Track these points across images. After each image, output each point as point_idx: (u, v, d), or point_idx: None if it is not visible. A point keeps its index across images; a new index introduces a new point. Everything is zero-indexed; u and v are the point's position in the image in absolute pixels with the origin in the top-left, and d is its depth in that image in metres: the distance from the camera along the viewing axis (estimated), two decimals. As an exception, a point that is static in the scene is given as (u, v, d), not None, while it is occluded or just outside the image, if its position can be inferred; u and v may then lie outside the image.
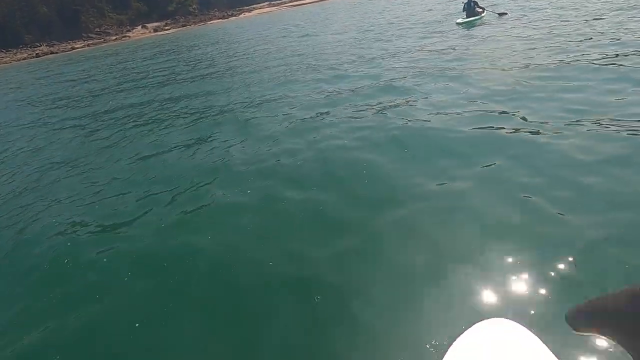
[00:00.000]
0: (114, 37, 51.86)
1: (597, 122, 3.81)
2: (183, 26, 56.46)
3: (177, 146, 5.49)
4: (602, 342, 1.78)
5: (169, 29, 55.24)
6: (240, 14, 62.36)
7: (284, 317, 2.25)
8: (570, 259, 2.31)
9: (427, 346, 1.91)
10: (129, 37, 52.17)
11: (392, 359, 1.90)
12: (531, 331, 1.54)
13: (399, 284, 2.39)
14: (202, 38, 28.88)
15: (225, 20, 56.36)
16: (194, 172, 4.46)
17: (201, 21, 59.05)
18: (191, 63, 15.25)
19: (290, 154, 4.43)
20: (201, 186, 4.06)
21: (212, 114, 7.00)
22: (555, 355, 1.47)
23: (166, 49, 24.17)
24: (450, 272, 2.36)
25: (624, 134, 3.52)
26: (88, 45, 48.55)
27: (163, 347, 2.19)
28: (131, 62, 19.54)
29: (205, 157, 4.90)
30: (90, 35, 54.34)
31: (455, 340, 1.57)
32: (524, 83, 5.34)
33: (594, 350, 1.75)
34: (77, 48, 46.63)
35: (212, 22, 57.45)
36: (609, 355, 1.73)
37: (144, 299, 2.59)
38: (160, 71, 14.23)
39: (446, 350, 1.53)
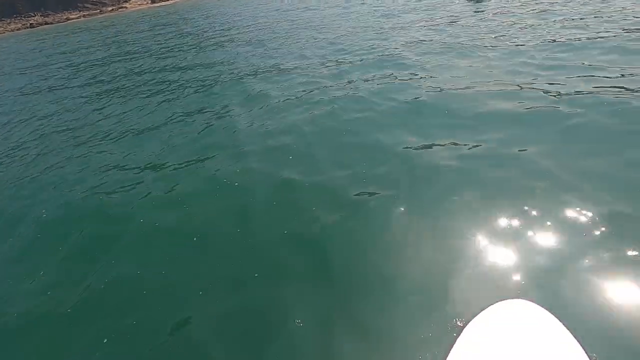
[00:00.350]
0: (110, 8, 50.16)
1: (616, 98, 3.72)
2: (182, -3, 54.64)
3: (178, 119, 5.42)
4: (625, 322, 1.76)
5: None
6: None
7: (292, 304, 2.20)
8: (591, 237, 2.27)
9: (444, 326, 1.89)
10: (126, 7, 50.50)
11: (407, 339, 1.89)
12: (550, 312, 1.53)
13: (411, 265, 2.36)
14: (204, 9, 27.97)
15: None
16: (196, 147, 4.41)
17: (200, -8, 57.17)
18: (192, 35, 14.83)
19: (293, 131, 4.33)
20: (203, 162, 4.01)
21: (212, 86, 6.87)
22: (575, 337, 1.46)
23: (166, 21, 23.49)
24: (464, 253, 2.33)
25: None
26: (84, 16, 47.05)
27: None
28: (130, 34, 19.00)
29: (205, 131, 4.85)
30: (85, 5, 52.54)
31: (471, 320, 1.56)
32: (535, 61, 5.19)
33: (617, 333, 1.72)
34: (73, 19, 45.22)
35: (211, -7, 55.56)
36: (632, 336, 1.71)
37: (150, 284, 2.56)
38: (160, 43, 13.85)
39: (461, 332, 1.52)
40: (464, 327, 1.51)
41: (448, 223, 2.62)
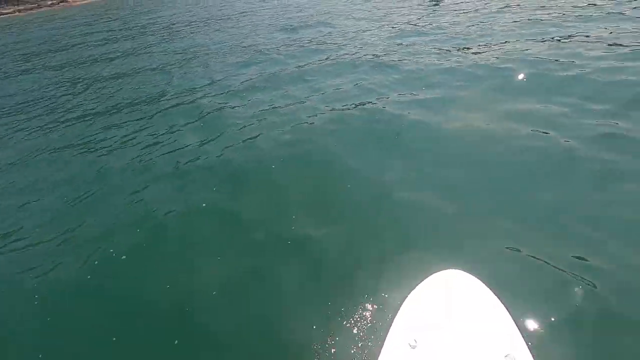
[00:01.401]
0: (50, 2, 46.48)
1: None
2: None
3: (121, 142, 5.02)
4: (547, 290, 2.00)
5: (114, -6, 50.34)
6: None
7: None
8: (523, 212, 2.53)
9: (386, 296, 2.06)
10: (69, 1, 47.03)
11: (353, 311, 2.04)
12: (479, 280, 1.71)
13: (354, 241, 2.54)
14: (154, 5, 26.71)
15: (177, -15, 52.28)
16: (148, 177, 4.00)
17: (150, -14, 54.50)
18: (143, 32, 14.12)
19: (262, 155, 4.04)
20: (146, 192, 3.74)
21: (164, 99, 6.42)
22: (502, 302, 1.64)
23: (114, 16, 22.18)
24: (404, 228, 2.55)
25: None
26: (19, 11, 43.10)
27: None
28: (69, 30, 17.75)
29: (156, 156, 4.41)
30: (21, -1, 48.33)
31: (412, 290, 1.70)
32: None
33: (540, 300, 1.95)
34: (6, 14, 41.41)
35: (162, -13, 53.13)
36: (551, 303, 1.94)
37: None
38: (105, 43, 13.06)
39: (403, 300, 1.66)
40: (406, 296, 1.65)
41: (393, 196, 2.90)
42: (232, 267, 2.61)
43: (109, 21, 19.58)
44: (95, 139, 5.16)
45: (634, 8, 6.71)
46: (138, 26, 15.99)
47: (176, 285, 2.55)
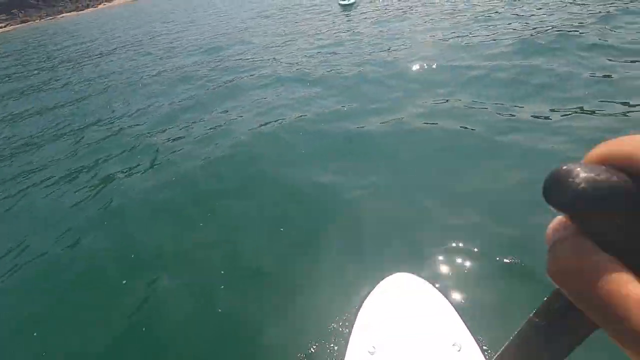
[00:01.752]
0: None
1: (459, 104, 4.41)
2: (23, 22, 47.12)
3: (45, 184, 4.57)
4: (494, 288, 2.13)
5: (4, 26, 45.54)
6: (99, 4, 54.91)
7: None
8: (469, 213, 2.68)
9: (341, 306, 2.10)
10: (-54, 39, 41.44)
11: (314, 322, 2.03)
12: (428, 282, 1.78)
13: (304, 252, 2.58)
14: (56, 36, 24.60)
15: (81, 12, 48.91)
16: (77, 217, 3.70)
17: (48, 15, 50.18)
18: (49, 66, 12.87)
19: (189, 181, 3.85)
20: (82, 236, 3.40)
21: (86, 134, 5.95)
22: (447, 298, 1.73)
23: (5, 52, 19.98)
24: (350, 236, 2.61)
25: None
26: None
27: None
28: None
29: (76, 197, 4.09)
30: None
31: (365, 297, 1.75)
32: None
33: (486, 298, 2.07)
34: None
35: (63, 15, 49.30)
36: (498, 301, 2.05)
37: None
38: (5, 81, 11.70)
39: (359, 308, 1.70)
40: (361, 304, 1.70)
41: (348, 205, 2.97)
42: (184, 300, 2.46)
43: (1, 57, 17.61)
44: (14, 182, 4.62)
45: (524, 8, 7.67)
46: (43, 60, 14.63)
47: (129, 326, 2.37)
